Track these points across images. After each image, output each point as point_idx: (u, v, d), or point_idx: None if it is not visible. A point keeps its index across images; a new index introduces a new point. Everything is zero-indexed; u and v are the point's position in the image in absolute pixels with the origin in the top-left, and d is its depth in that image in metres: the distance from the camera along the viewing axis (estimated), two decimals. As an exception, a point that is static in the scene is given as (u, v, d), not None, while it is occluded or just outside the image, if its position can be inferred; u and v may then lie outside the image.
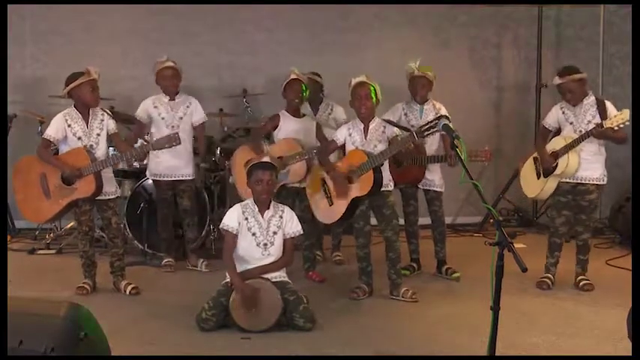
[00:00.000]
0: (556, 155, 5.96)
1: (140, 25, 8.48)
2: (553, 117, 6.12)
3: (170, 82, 6.60)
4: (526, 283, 5.88)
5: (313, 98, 6.81)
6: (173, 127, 6.54)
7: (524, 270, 3.44)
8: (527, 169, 6.33)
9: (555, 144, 6.03)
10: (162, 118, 6.60)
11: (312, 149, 6.25)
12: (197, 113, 6.73)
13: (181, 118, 6.63)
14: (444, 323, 5.27)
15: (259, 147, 6.40)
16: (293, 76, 6.40)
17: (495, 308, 3.58)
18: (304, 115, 6.54)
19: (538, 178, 6.17)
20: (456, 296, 5.98)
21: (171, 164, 6.59)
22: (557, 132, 6.14)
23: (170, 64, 6.59)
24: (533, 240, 7.62)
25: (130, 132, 7.10)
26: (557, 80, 5.99)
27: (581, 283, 6.03)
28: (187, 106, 6.68)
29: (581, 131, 5.87)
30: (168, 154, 6.35)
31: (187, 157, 6.68)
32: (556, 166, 5.96)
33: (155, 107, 6.62)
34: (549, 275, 6.09)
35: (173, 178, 6.67)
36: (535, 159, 6.23)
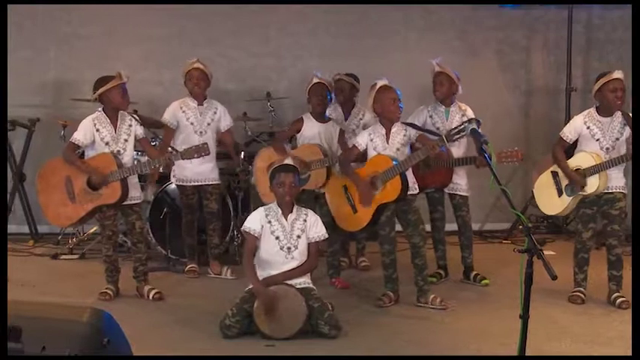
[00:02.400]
0: (583, 174, 5.69)
1: (163, 29, 8.45)
2: (574, 129, 5.84)
3: (196, 84, 6.52)
4: (556, 291, 5.75)
5: (346, 101, 6.72)
6: (201, 132, 6.52)
7: (554, 278, 3.39)
8: (545, 184, 6.00)
9: (581, 161, 5.73)
10: (192, 124, 6.54)
11: (335, 156, 6.22)
12: (225, 119, 6.67)
13: (209, 124, 6.58)
14: (472, 331, 5.20)
15: (282, 149, 6.35)
16: (316, 80, 6.34)
17: (525, 316, 3.53)
18: (328, 120, 6.47)
19: (559, 196, 5.89)
20: (485, 304, 5.89)
21: (198, 170, 6.53)
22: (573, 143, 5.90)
23: (199, 65, 6.52)
24: (562, 247, 7.49)
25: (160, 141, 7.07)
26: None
27: (617, 301, 5.71)
28: (214, 112, 6.63)
29: (608, 149, 5.66)
30: (200, 159, 6.26)
31: (213, 163, 6.63)
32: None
33: (183, 112, 6.56)
34: (581, 289, 5.85)
35: (199, 183, 6.61)
36: (554, 173, 5.94)
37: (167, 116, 6.59)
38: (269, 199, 6.08)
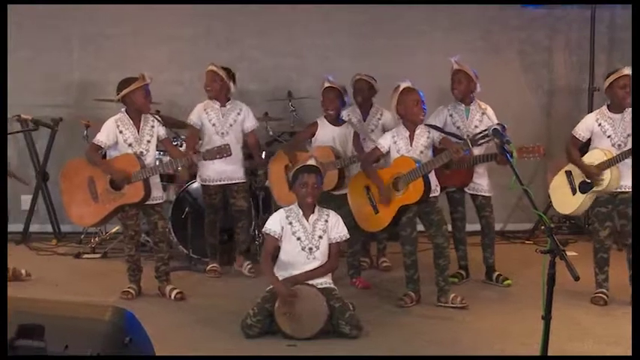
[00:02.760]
0: (597, 169, 5.68)
1: (187, 29, 8.48)
2: (586, 127, 5.84)
3: (209, 87, 6.56)
4: (578, 292, 5.72)
5: (365, 102, 6.71)
6: (223, 134, 6.55)
7: (577, 278, 3.39)
8: (559, 184, 6.00)
9: (594, 158, 5.73)
10: (213, 125, 6.57)
11: (347, 159, 6.23)
12: (248, 120, 6.69)
13: (231, 125, 6.60)
14: (493, 331, 5.18)
15: (294, 156, 6.36)
16: (327, 85, 6.35)
17: (547, 317, 3.52)
18: (343, 123, 6.47)
19: (573, 194, 5.89)
20: (506, 304, 5.86)
21: (222, 169, 6.55)
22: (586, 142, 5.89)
23: (212, 67, 6.56)
24: (584, 248, 7.43)
25: (182, 141, 7.11)
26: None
27: None
28: (238, 113, 6.64)
29: (620, 145, 5.65)
30: (222, 160, 6.30)
31: (238, 162, 6.65)
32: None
33: (206, 113, 6.60)
34: (603, 290, 5.80)
35: (223, 183, 6.64)
36: (568, 172, 5.93)
37: (193, 117, 6.63)
38: (284, 202, 6.11)
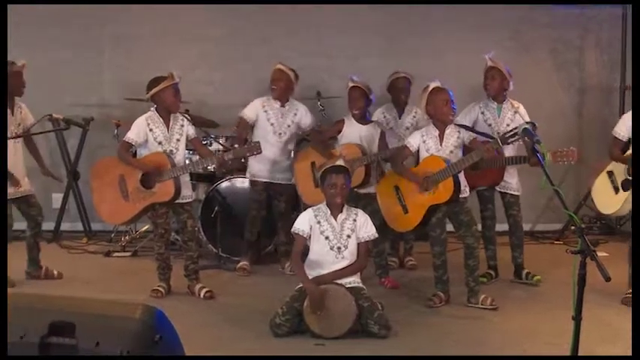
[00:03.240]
0: None
1: (216, 29, 8.50)
2: (625, 126, 5.76)
3: (275, 85, 6.62)
4: (610, 293, 5.66)
5: (399, 100, 6.71)
6: (280, 134, 6.63)
7: (608, 279, 3.36)
8: (601, 185, 5.94)
9: None
10: (272, 124, 6.64)
11: (373, 155, 6.22)
12: (305, 119, 6.73)
13: (289, 126, 6.67)
14: (523, 332, 5.15)
15: (329, 154, 6.36)
16: (351, 84, 6.34)
17: (577, 318, 3.51)
18: (369, 122, 6.46)
19: (616, 193, 5.82)
20: (536, 305, 5.83)
21: (271, 167, 6.63)
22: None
23: (280, 67, 6.62)
24: (615, 248, 7.35)
25: (212, 140, 7.17)
26: None
27: None
28: (295, 114, 6.70)
29: None
30: (275, 158, 6.48)
31: (288, 162, 6.72)
32: None
33: (265, 111, 6.65)
34: None
35: (270, 180, 6.68)
36: (609, 173, 5.86)
37: (248, 112, 6.67)
38: (309, 199, 6.11)
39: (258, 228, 6.84)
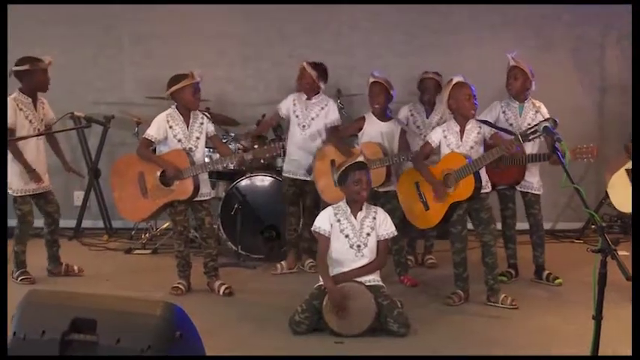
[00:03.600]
0: None
1: (236, 28, 8.53)
2: None
3: (298, 81, 6.65)
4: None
5: (429, 99, 6.69)
6: (304, 126, 6.61)
7: (629, 278, 3.35)
8: (618, 182, 5.96)
9: None
10: (297, 117, 6.65)
11: (395, 156, 6.21)
12: (330, 114, 6.69)
13: (313, 119, 6.64)
14: (543, 332, 5.12)
15: (348, 151, 6.36)
16: (372, 80, 6.33)
17: (598, 317, 3.49)
18: (390, 118, 6.45)
19: None
20: (557, 304, 5.80)
21: (297, 163, 6.65)
22: None
23: (303, 64, 6.62)
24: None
25: (231, 138, 7.20)
26: None
27: None
28: (322, 108, 6.68)
29: None
30: (300, 152, 6.50)
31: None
32: None
33: (294, 104, 6.67)
34: None
35: (298, 177, 6.69)
36: (628, 171, 5.85)
37: (282, 108, 6.70)
38: (328, 197, 6.11)
39: (294, 225, 6.83)
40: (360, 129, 6.45)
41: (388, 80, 6.38)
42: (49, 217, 6.39)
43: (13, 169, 6.10)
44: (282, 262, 6.78)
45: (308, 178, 6.65)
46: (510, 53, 6.23)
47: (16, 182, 6.12)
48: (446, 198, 5.60)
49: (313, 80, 6.57)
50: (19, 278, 6.21)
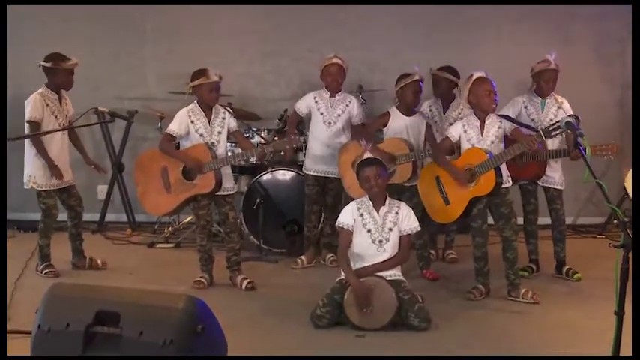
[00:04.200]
0: None
1: (258, 24, 8.56)
2: None
3: (333, 78, 6.63)
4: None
5: (444, 94, 6.67)
6: (330, 123, 6.64)
7: None
8: None
9: None
10: (322, 114, 6.66)
11: (421, 151, 6.21)
12: (356, 110, 6.72)
13: (339, 115, 6.67)
14: (564, 327, 5.12)
15: (376, 149, 6.37)
16: (416, 77, 6.28)
17: (619, 313, 3.49)
18: (415, 113, 6.45)
19: None
20: (578, 299, 5.80)
21: (321, 160, 6.67)
22: None
23: (337, 60, 6.63)
24: (659, 242, 7.31)
25: (252, 133, 7.24)
26: None
27: None
28: (347, 105, 6.70)
29: None
30: (324, 149, 6.50)
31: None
32: None
33: (316, 102, 6.68)
34: None
35: (319, 174, 6.72)
36: None
37: (300, 106, 6.73)
38: (354, 191, 6.12)
39: (313, 223, 6.85)
40: (385, 124, 6.44)
41: (422, 76, 6.38)
42: (72, 210, 6.46)
43: (36, 163, 6.18)
44: (302, 257, 6.81)
45: (333, 176, 6.67)
46: (550, 55, 6.15)
47: (40, 177, 6.19)
48: (467, 187, 5.59)
49: (343, 71, 6.61)
50: (44, 271, 6.30)
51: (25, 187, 6.25)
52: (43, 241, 6.34)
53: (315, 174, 6.72)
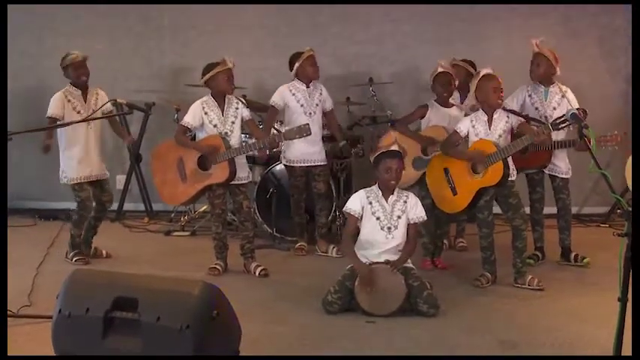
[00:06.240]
0: None
1: (270, 20, 8.73)
2: None
3: (315, 69, 6.73)
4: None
5: (463, 86, 6.72)
6: (311, 114, 6.71)
7: None
8: None
9: None
10: (302, 105, 6.72)
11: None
12: (328, 99, 6.85)
13: (317, 105, 6.77)
14: (570, 313, 5.19)
15: (421, 137, 6.47)
16: (440, 70, 6.41)
17: (623, 299, 3.54)
18: (452, 106, 6.54)
19: None
20: (583, 286, 5.88)
21: (306, 151, 6.72)
22: None
23: (313, 52, 6.73)
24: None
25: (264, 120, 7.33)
26: None
27: None
28: (320, 93, 6.80)
29: None
30: (304, 141, 6.42)
31: (320, 144, 6.83)
32: None
33: (293, 94, 6.74)
34: None
35: (307, 164, 6.79)
36: None
37: (275, 98, 6.78)
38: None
39: (303, 210, 6.96)
40: (423, 116, 6.53)
41: (452, 69, 6.49)
42: (101, 205, 6.57)
43: (63, 160, 6.36)
44: (303, 243, 6.96)
45: (318, 163, 6.77)
46: (535, 39, 6.24)
47: (69, 171, 6.35)
48: (482, 171, 5.68)
49: (315, 62, 6.72)
50: (74, 259, 6.42)
51: (60, 182, 6.43)
52: (75, 232, 6.45)
53: (302, 164, 6.79)
